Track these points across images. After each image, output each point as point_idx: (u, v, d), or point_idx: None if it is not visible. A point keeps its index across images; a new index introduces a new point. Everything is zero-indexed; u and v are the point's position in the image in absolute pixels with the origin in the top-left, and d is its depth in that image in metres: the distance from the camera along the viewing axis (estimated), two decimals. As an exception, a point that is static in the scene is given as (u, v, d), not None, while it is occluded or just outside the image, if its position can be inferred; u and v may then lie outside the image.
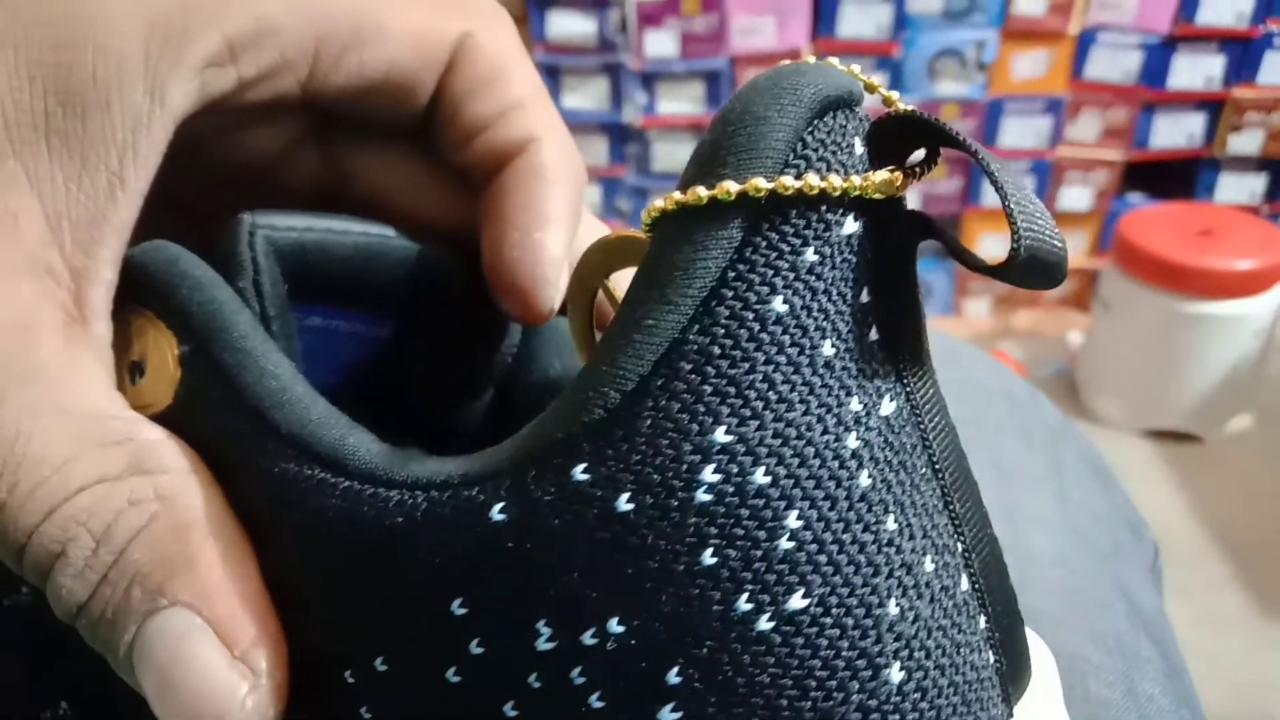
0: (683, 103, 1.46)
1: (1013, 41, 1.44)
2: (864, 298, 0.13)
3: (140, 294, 0.16)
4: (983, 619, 0.13)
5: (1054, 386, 1.43)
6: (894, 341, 0.13)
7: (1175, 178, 1.52)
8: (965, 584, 0.13)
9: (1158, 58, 1.42)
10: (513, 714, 0.13)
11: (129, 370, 0.16)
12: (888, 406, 0.13)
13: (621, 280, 0.15)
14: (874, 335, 0.13)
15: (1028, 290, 1.57)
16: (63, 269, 0.15)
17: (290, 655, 0.14)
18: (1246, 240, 1.29)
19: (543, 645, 0.12)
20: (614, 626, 0.12)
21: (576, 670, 0.12)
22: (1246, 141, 1.46)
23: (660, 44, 1.42)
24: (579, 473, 0.12)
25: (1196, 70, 1.43)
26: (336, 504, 0.14)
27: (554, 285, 0.18)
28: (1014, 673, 0.14)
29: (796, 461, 0.12)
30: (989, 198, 1.54)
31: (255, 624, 0.14)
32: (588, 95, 1.49)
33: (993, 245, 1.58)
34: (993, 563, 0.14)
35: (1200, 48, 1.42)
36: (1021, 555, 0.30)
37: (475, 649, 0.13)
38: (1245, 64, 1.41)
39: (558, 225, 0.18)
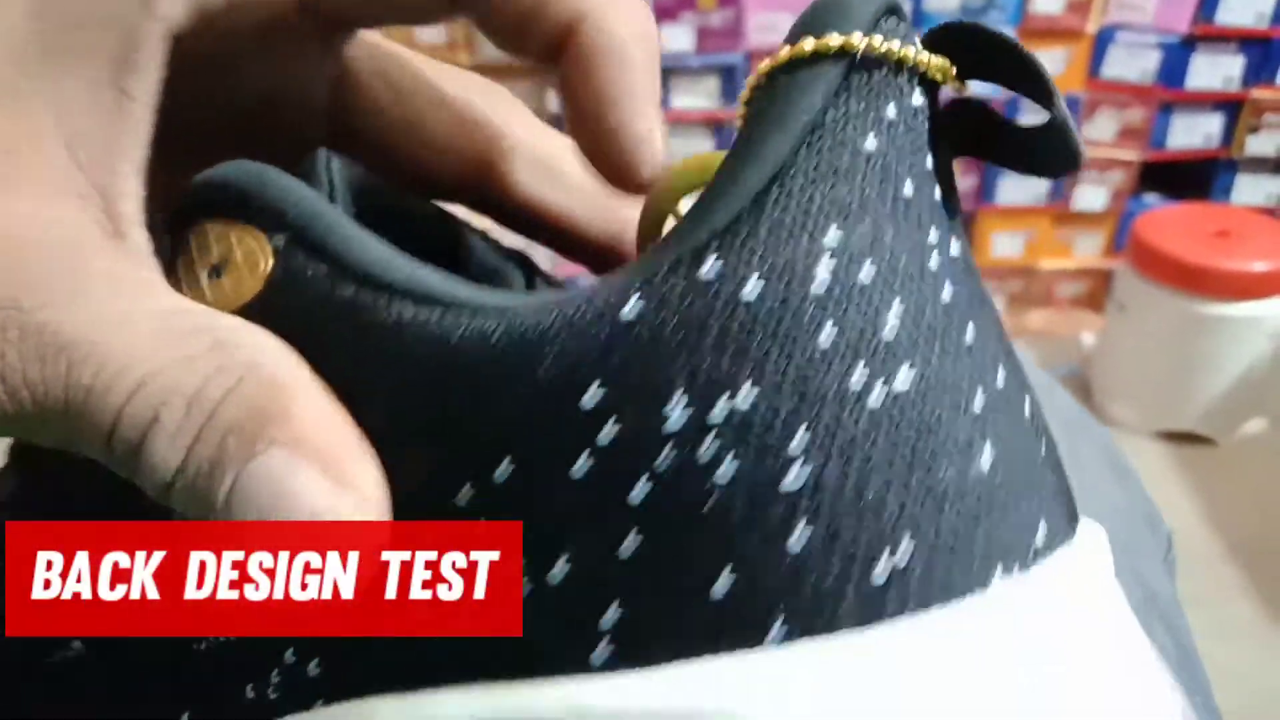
0: (698, 98, 1.45)
1: (1030, 39, 1.43)
2: (927, 163, 0.15)
3: (218, 204, 0.16)
4: (1043, 446, 0.15)
5: (1067, 387, 1.42)
6: (950, 206, 0.15)
7: (1192, 179, 1.51)
8: (1028, 408, 0.15)
9: (1176, 57, 1.41)
10: (637, 501, 0.13)
11: (209, 272, 0.17)
12: (955, 247, 0.15)
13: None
14: (937, 195, 0.15)
15: (1039, 291, 1.55)
16: (89, 187, 0.15)
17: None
18: (1263, 242, 1.28)
19: (672, 425, 0.13)
20: (743, 396, 0.13)
21: (707, 442, 0.13)
22: (1265, 143, 1.45)
23: (676, 38, 1.42)
24: (707, 268, 0.14)
25: (1215, 71, 1.42)
26: (463, 332, 0.15)
27: (654, 158, 0.17)
28: (1070, 503, 0.15)
29: (893, 267, 0.14)
30: (1003, 196, 1.53)
31: (353, 454, 0.14)
32: (602, 89, 1.48)
33: (1006, 245, 1.57)
34: (1038, 401, 0.16)
35: (1219, 48, 1.41)
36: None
37: (602, 440, 0.14)
38: (1265, 65, 1.40)
39: (645, 104, 0.17)
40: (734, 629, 0.13)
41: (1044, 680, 0.13)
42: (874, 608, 0.13)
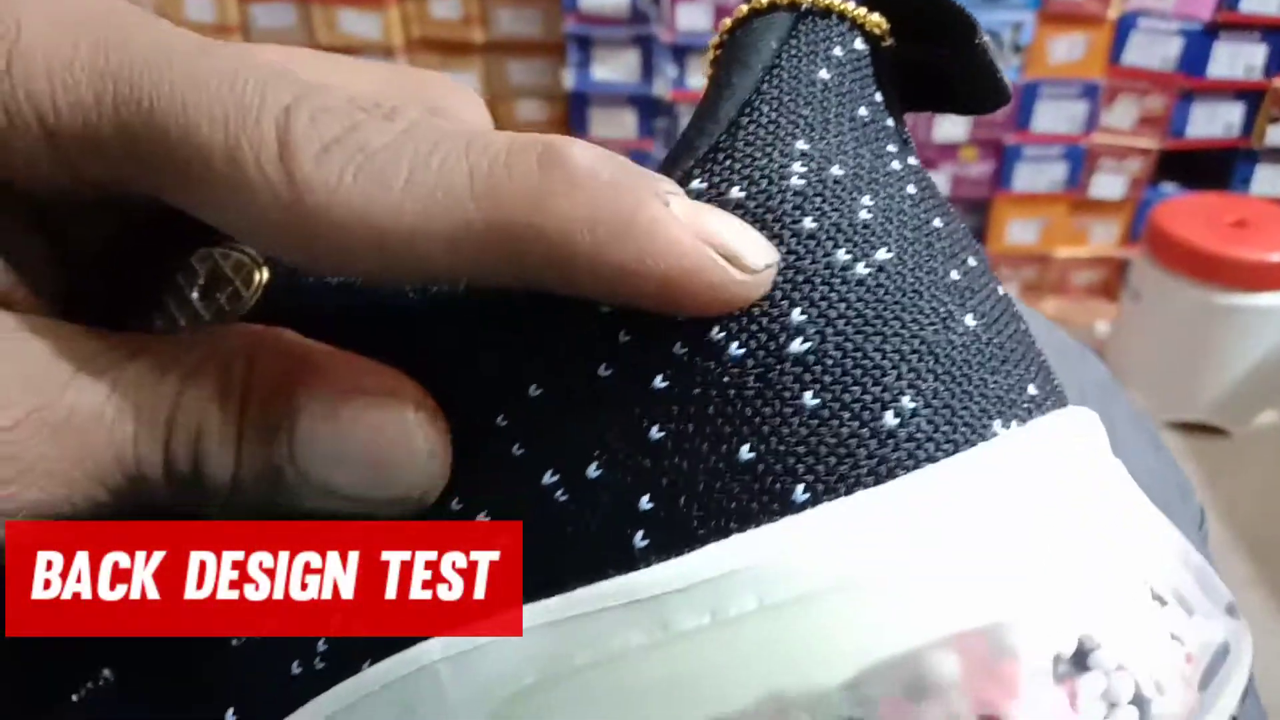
0: (714, 77, 1.44)
1: (1050, 24, 1.42)
2: (876, 98, 0.17)
3: (194, 230, 0.17)
4: (1020, 324, 0.16)
5: (1079, 375, 1.42)
6: (903, 136, 0.17)
7: (1210, 168, 1.50)
8: (1000, 291, 0.16)
9: (1198, 45, 1.40)
10: (663, 385, 0.15)
11: (199, 292, 0.18)
12: (913, 160, 0.17)
13: None
14: (890, 123, 0.17)
15: (1054, 279, 1.54)
16: None
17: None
18: (1282, 232, 1.27)
19: (683, 314, 0.14)
20: None
21: (715, 328, 0.14)
22: (1285, 133, 1.44)
23: (693, 16, 1.41)
24: (695, 184, 0.16)
25: (1237, 59, 1.41)
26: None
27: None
28: (1053, 375, 0.16)
29: (859, 166, 0.16)
30: (1020, 182, 1.52)
31: (392, 376, 0.15)
32: (618, 67, 1.48)
33: (1021, 231, 1.57)
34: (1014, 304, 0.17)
35: (1242, 36, 1.40)
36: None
37: (624, 337, 0.15)
38: (1288, 54, 1.39)
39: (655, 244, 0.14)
40: (760, 499, 0.14)
41: (1052, 520, 0.14)
42: (886, 465, 0.14)
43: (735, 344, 0.14)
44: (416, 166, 0.13)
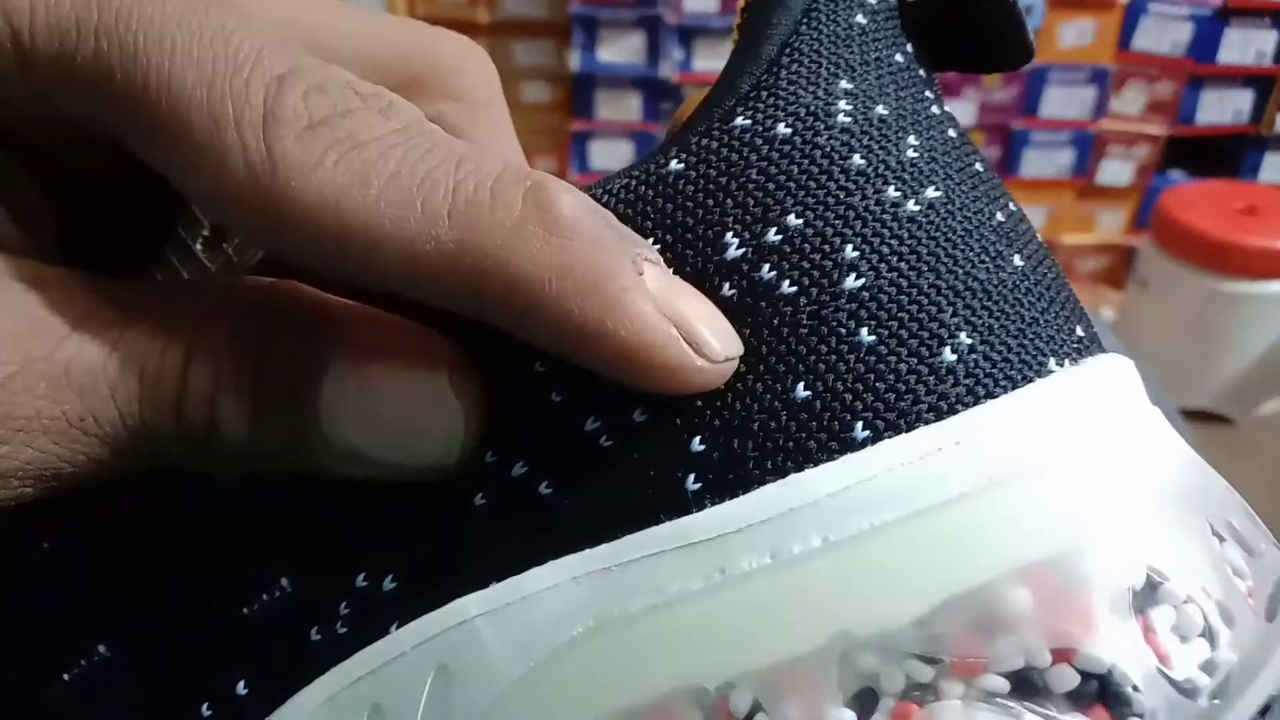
0: (721, 59, 1.43)
1: (1059, 9, 1.41)
2: (908, 48, 0.17)
3: None
4: (1060, 269, 0.16)
5: (1084, 363, 1.41)
6: (935, 84, 0.17)
7: (1219, 156, 1.49)
8: (1036, 235, 0.16)
9: (1208, 31, 1.39)
10: None
11: (202, 243, 0.17)
12: (948, 109, 0.17)
13: None
14: (923, 72, 0.17)
15: (1061, 266, 1.57)
16: None
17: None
18: (1291, 220, 1.27)
19: (733, 254, 0.14)
20: (792, 221, 0.14)
21: (765, 267, 0.14)
22: (1295, 120, 1.43)
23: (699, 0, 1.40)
24: (739, 120, 0.15)
25: (1248, 45, 1.40)
26: None
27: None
28: (1090, 322, 0.16)
29: (902, 110, 0.15)
30: (1027, 169, 1.51)
31: (421, 338, 0.14)
32: (624, 49, 1.47)
33: (1032, 217, 1.55)
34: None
35: (1252, 22, 1.39)
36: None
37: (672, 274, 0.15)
38: (1299, 40, 1.38)
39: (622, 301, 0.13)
40: (819, 437, 0.13)
41: (1112, 456, 0.14)
42: (946, 400, 0.13)
43: (787, 282, 0.14)
44: (401, 169, 0.13)
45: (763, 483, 0.13)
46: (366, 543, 0.15)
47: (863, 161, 0.15)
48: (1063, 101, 1.47)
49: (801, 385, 0.14)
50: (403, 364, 0.14)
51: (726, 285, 0.14)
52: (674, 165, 0.15)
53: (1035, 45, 0.16)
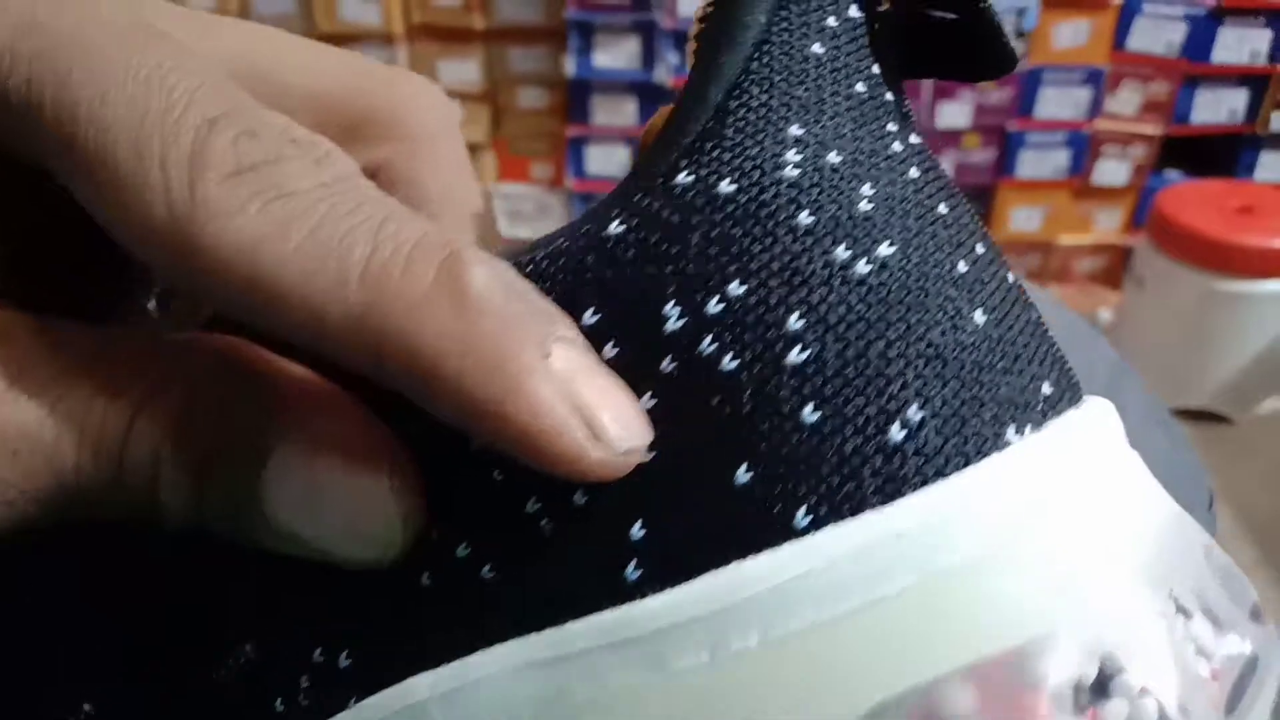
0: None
1: (1054, 9, 1.41)
2: (874, 69, 0.16)
3: None
4: (1033, 312, 0.15)
5: (1082, 363, 1.41)
6: (904, 109, 0.16)
7: (1214, 155, 1.50)
8: (1010, 279, 0.15)
9: (1202, 30, 1.40)
10: (651, 403, 0.14)
11: (156, 302, 0.17)
12: (914, 139, 0.16)
13: None
14: (889, 96, 0.16)
15: (1057, 266, 1.54)
16: None
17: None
18: (1287, 219, 1.27)
19: (672, 326, 0.14)
20: (735, 289, 0.14)
21: (706, 340, 0.13)
22: (1290, 119, 1.44)
23: (694, 3, 1.40)
24: (681, 178, 0.14)
25: (1242, 44, 1.40)
26: None
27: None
28: (1068, 368, 0.15)
29: (858, 152, 0.15)
30: (1023, 169, 1.51)
31: (366, 429, 0.14)
32: (619, 54, 1.47)
33: (1024, 219, 1.56)
34: (1022, 287, 0.16)
35: (1247, 21, 1.39)
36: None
37: (610, 351, 0.14)
38: (1293, 39, 1.38)
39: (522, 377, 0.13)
40: (760, 524, 0.13)
41: (1070, 535, 0.13)
42: (893, 482, 0.13)
43: (729, 356, 0.13)
44: (322, 225, 0.12)
45: (703, 572, 0.13)
46: (321, 616, 0.15)
47: (811, 219, 0.14)
48: (1058, 102, 1.47)
49: (743, 468, 0.13)
50: (346, 462, 0.14)
51: (666, 360, 0.14)
52: (614, 229, 0.14)
53: (1018, 53, 0.16)
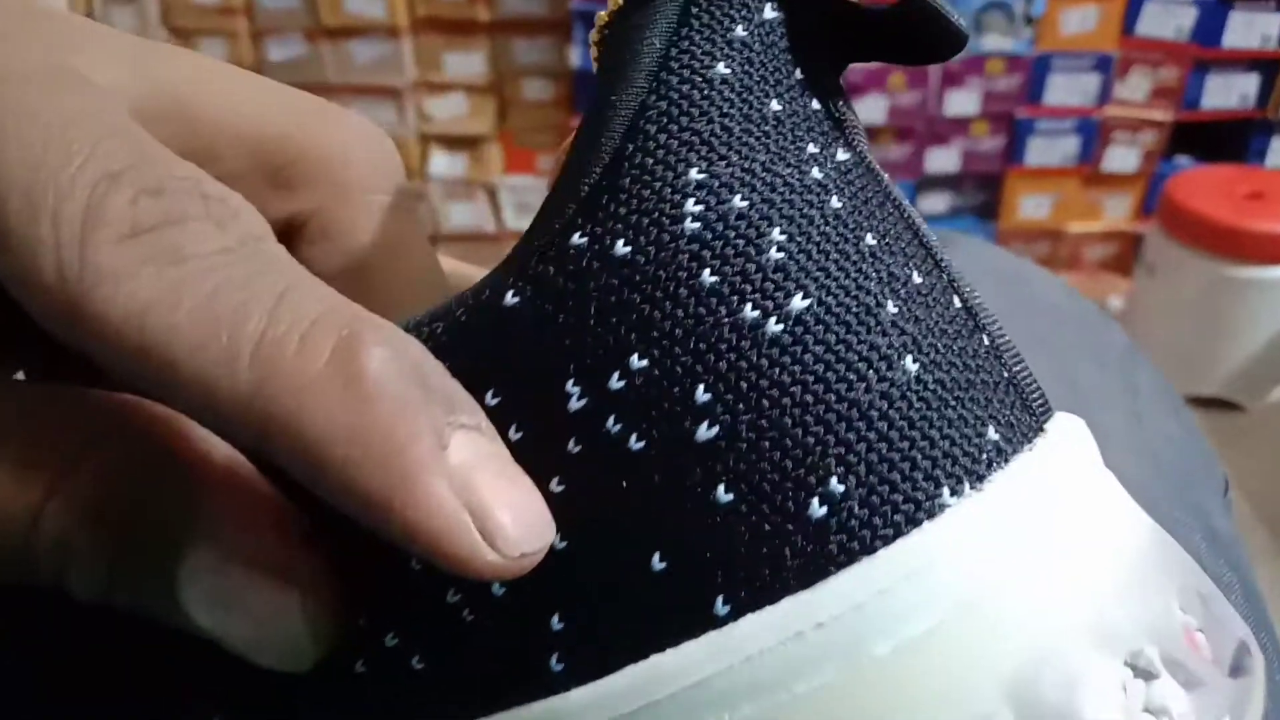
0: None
1: (1062, -5, 1.40)
2: (797, 75, 0.14)
3: None
4: (984, 337, 0.14)
5: (1092, 351, 1.41)
6: (834, 113, 0.15)
7: (1225, 140, 1.48)
8: (958, 303, 0.14)
9: (1212, 15, 1.38)
10: (559, 489, 0.13)
11: None
12: (842, 155, 0.14)
13: None
14: (814, 105, 0.14)
15: (1067, 254, 1.53)
16: None
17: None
18: (1298, 204, 1.26)
19: (575, 405, 0.13)
20: (636, 363, 0.13)
21: (611, 419, 0.13)
22: (1302, 104, 1.43)
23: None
24: (576, 239, 0.13)
25: (1252, 29, 1.39)
26: None
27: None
28: (1032, 392, 0.14)
29: (768, 189, 0.13)
30: (1032, 157, 1.51)
31: (279, 538, 0.13)
32: (625, 45, 1.47)
33: (1033, 206, 1.55)
34: (979, 295, 0.15)
35: (1257, 6, 1.38)
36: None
37: (514, 434, 0.13)
38: (1304, 23, 1.37)
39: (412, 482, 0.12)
40: (678, 613, 0.12)
41: (1010, 617, 0.12)
42: (816, 563, 0.12)
43: (634, 436, 0.12)
44: (217, 294, 0.12)
45: (624, 664, 0.12)
46: (265, 700, 0.15)
47: (715, 278, 0.13)
48: (1067, 89, 1.46)
49: (657, 555, 0.12)
50: (260, 578, 0.13)
51: (571, 442, 0.13)
52: (510, 299, 0.13)
53: (965, 32, 0.14)
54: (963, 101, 1.47)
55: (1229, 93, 1.45)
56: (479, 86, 1.54)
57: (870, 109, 1.46)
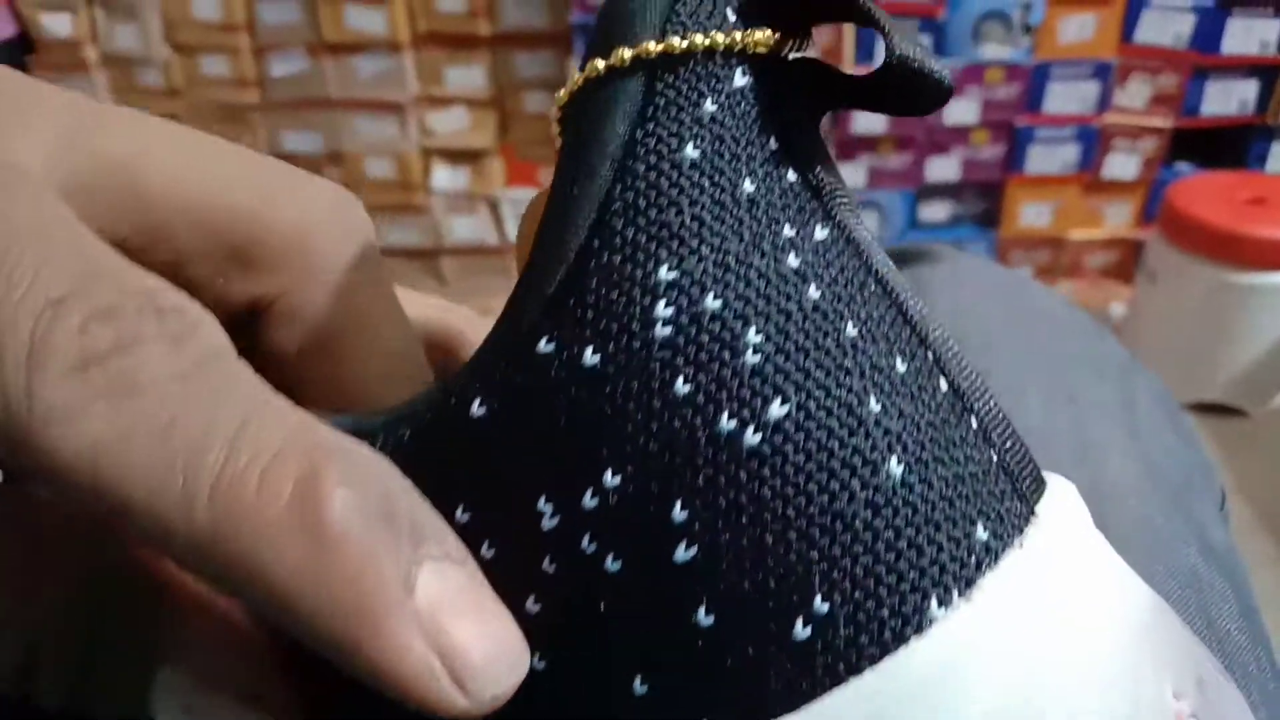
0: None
1: (1061, 4, 1.40)
2: (772, 144, 0.13)
3: None
4: (973, 419, 0.13)
5: (1095, 358, 1.41)
6: (813, 184, 0.14)
7: (1225, 147, 1.48)
8: (944, 386, 0.13)
9: (1211, 22, 1.39)
10: (535, 608, 0.13)
11: None
12: (821, 233, 0.13)
13: None
14: (791, 177, 0.14)
15: (1068, 262, 1.52)
16: None
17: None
18: (1299, 210, 1.26)
19: (548, 524, 0.12)
20: (610, 480, 0.12)
21: (585, 539, 0.12)
22: (1301, 109, 1.43)
23: (700, 4, 1.40)
24: (543, 345, 0.13)
25: (1251, 35, 1.39)
26: None
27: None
28: (1023, 471, 0.14)
29: (743, 284, 0.13)
30: (1032, 165, 1.51)
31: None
32: (625, 57, 1.47)
33: (1034, 214, 1.55)
34: (968, 369, 0.14)
35: (1255, 12, 1.38)
36: (1098, 484, 0.29)
37: (486, 551, 0.13)
38: (1302, 29, 1.37)
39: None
40: None
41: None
42: (802, 685, 0.12)
43: (611, 556, 0.12)
44: (172, 428, 0.11)
45: None
46: None
47: (689, 388, 0.12)
48: (1066, 97, 1.46)
49: (638, 679, 0.12)
50: (229, 702, 0.13)
51: (546, 560, 0.12)
52: (477, 409, 0.13)
53: (952, 85, 0.13)
54: (962, 110, 1.47)
55: (1228, 99, 1.45)
56: (480, 100, 1.54)
57: (870, 118, 1.46)
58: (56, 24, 1.45)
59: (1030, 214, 1.56)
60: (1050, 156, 1.51)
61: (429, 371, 0.17)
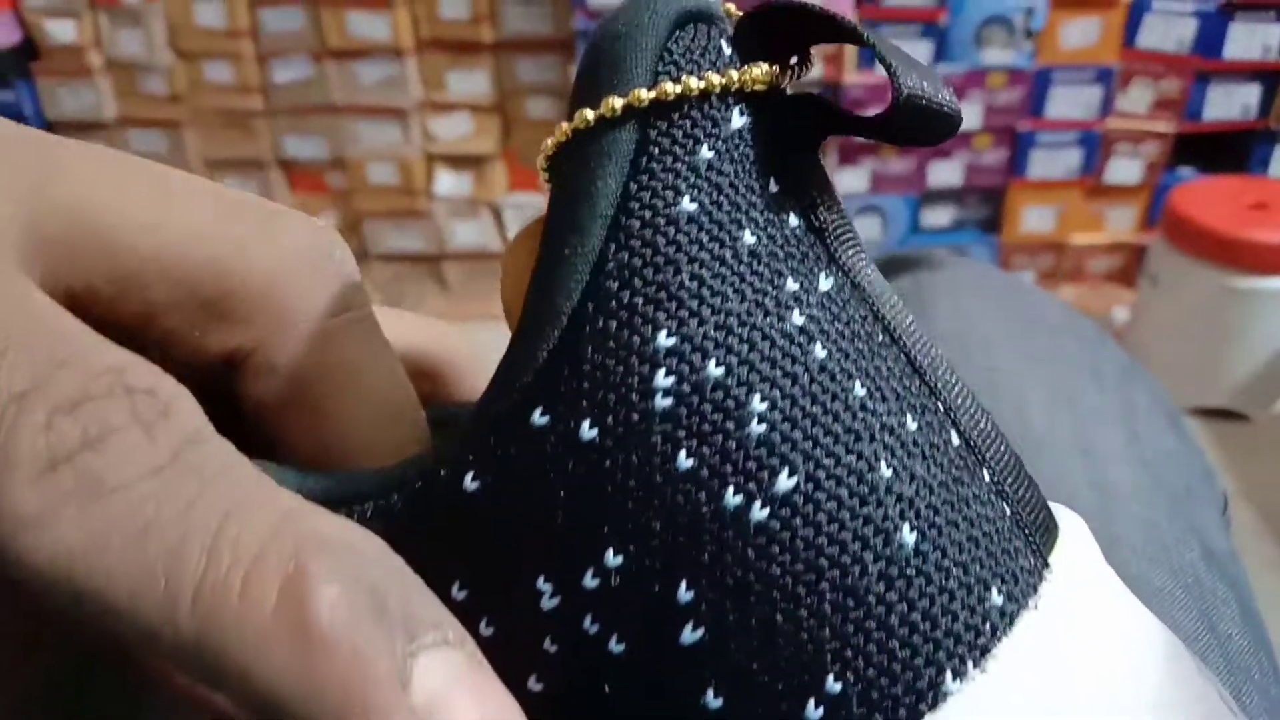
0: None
1: (1062, 8, 1.40)
2: (772, 187, 0.13)
3: None
4: (985, 472, 0.13)
5: (1098, 363, 1.40)
6: (815, 226, 0.13)
7: (1228, 151, 1.48)
8: (956, 439, 0.13)
9: (1213, 26, 1.39)
10: (538, 688, 0.12)
11: None
12: (825, 283, 0.13)
13: None
14: (793, 221, 0.13)
15: (1070, 266, 1.52)
16: None
17: None
18: (1302, 214, 1.26)
19: (548, 603, 0.12)
20: (611, 559, 0.12)
21: (587, 619, 0.12)
22: (1304, 114, 1.43)
23: (702, 10, 1.40)
24: (537, 417, 0.12)
25: (1253, 39, 1.39)
26: None
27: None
28: (1036, 521, 0.13)
29: (746, 348, 0.12)
30: (1034, 170, 1.51)
31: None
32: (627, 62, 1.47)
33: (1036, 219, 1.55)
34: (980, 417, 0.13)
35: (1257, 16, 1.38)
36: (1100, 488, 0.29)
37: (485, 629, 0.12)
38: (1305, 33, 1.37)
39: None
40: None
41: None
42: None
43: (614, 638, 0.12)
44: (149, 531, 0.11)
45: None
46: None
47: (691, 461, 0.11)
48: (1069, 101, 1.46)
49: None
50: None
51: (548, 640, 0.12)
52: (469, 483, 0.12)
53: (960, 116, 0.13)
54: (965, 115, 1.46)
55: (1231, 103, 1.45)
56: (483, 106, 1.54)
57: (872, 123, 1.46)
58: (61, 30, 1.46)
59: (1033, 219, 1.56)
60: (1053, 161, 1.51)
61: (419, 410, 0.16)
